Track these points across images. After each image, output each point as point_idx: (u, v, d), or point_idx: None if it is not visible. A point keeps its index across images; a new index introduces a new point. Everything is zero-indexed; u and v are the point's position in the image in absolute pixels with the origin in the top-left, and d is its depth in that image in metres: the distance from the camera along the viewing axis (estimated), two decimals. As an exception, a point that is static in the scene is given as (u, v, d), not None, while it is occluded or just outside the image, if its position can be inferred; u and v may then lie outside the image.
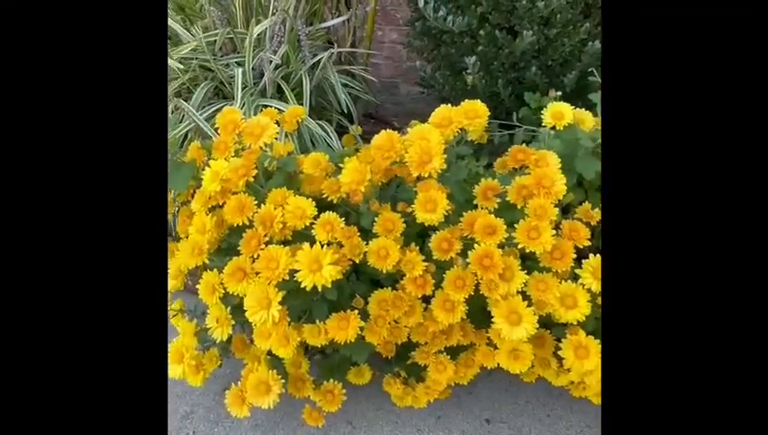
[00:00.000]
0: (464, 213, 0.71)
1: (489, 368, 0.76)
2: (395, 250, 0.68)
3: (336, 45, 1.53)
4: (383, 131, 0.74)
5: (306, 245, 0.66)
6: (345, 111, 1.45)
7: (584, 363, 0.65)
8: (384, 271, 0.68)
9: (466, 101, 0.77)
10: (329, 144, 1.29)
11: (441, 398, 0.83)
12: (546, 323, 0.73)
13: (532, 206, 0.66)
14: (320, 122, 1.32)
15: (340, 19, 1.64)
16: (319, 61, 1.38)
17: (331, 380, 0.80)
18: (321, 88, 1.49)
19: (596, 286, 0.64)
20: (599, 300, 0.65)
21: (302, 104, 1.34)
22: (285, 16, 1.40)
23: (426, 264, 0.69)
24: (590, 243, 0.68)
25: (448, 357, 0.76)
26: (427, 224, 0.69)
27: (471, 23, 1.42)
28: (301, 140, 1.24)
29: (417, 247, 0.71)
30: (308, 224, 0.72)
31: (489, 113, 0.77)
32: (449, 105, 0.78)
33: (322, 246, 0.68)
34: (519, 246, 0.66)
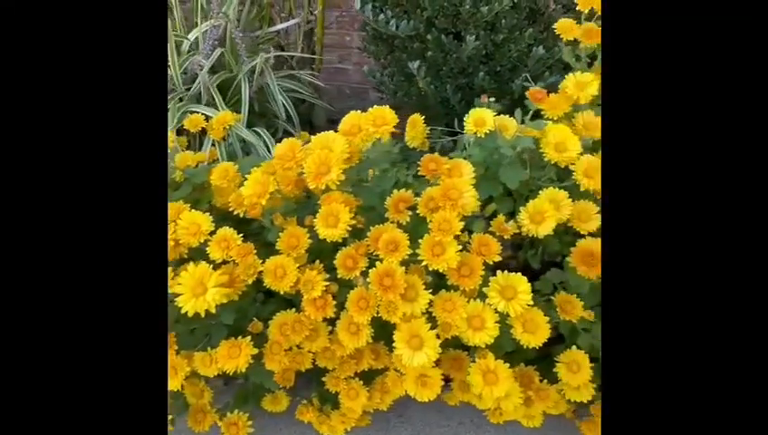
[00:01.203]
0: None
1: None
2: (292, 269, 0.62)
3: (272, 51, 1.48)
4: (285, 140, 0.69)
5: (191, 265, 0.60)
6: (287, 117, 1.39)
7: (493, 390, 0.60)
8: (281, 292, 0.63)
9: (375, 108, 0.72)
10: (269, 153, 1.23)
11: (360, 425, 0.77)
12: (465, 344, 0.68)
13: (437, 220, 0.61)
14: (257, 129, 1.26)
15: (289, 23, 1.59)
16: (263, 66, 1.32)
17: (236, 411, 0.73)
18: (269, 95, 1.43)
19: (503, 306, 0.59)
20: (509, 320, 0.61)
21: (239, 111, 1.29)
22: (226, 20, 1.34)
23: (327, 284, 0.63)
24: (500, 258, 0.63)
25: (361, 382, 0.70)
26: (328, 240, 0.64)
27: (418, 27, 1.39)
28: (233, 148, 1.18)
29: (323, 265, 0.66)
30: (203, 241, 0.66)
31: (418, 118, 0.73)
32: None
33: (216, 267, 0.62)
34: (423, 264, 0.61)
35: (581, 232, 0.68)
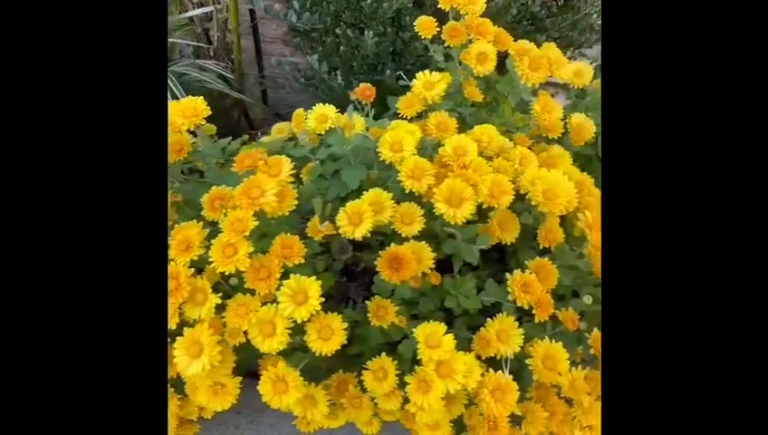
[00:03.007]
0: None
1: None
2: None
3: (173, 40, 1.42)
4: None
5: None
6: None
7: (283, 399, 0.57)
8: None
9: (188, 98, 0.68)
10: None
11: (188, 434, 0.74)
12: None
13: (229, 219, 0.57)
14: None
15: (201, 11, 1.53)
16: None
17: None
18: (193, 87, 1.37)
19: (289, 312, 0.56)
20: (306, 327, 0.58)
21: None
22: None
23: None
24: (303, 260, 0.60)
25: (172, 389, 0.66)
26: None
27: (325, 20, 1.36)
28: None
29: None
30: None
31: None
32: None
33: None
34: (211, 266, 0.58)
35: (404, 235, 0.65)
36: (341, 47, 1.38)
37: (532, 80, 0.77)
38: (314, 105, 0.88)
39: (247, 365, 0.68)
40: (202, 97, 0.71)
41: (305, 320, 0.56)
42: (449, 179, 0.64)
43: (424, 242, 0.66)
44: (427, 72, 0.81)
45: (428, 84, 0.78)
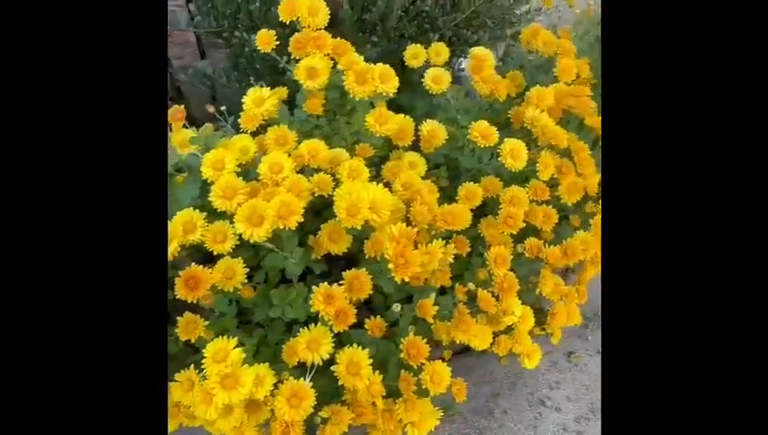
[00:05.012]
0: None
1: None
2: None
3: None
4: None
5: None
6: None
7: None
8: None
9: None
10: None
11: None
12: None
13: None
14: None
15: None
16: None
17: None
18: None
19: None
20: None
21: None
22: None
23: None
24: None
25: None
26: None
27: (222, 24, 1.36)
28: None
29: None
30: None
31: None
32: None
33: None
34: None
35: (216, 252, 0.69)
36: (246, 48, 1.39)
37: (358, 94, 0.79)
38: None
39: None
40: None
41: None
42: (252, 199, 0.67)
43: (239, 258, 0.70)
44: (257, 87, 0.83)
45: (258, 100, 0.80)
